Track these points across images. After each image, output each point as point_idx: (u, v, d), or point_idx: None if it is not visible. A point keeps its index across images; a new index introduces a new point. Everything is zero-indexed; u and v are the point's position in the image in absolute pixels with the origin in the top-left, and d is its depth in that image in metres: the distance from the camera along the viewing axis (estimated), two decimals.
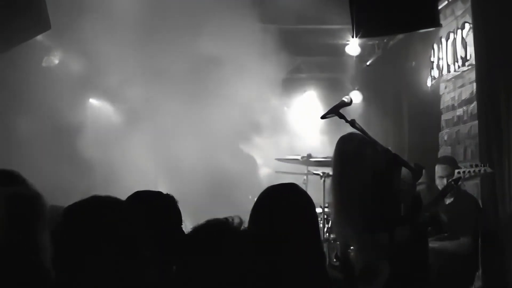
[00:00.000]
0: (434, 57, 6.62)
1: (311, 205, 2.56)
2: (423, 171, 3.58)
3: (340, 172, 3.82)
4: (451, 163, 5.06)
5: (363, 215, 3.66)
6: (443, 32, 6.28)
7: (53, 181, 3.45)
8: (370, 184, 3.62)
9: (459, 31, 5.92)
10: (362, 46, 8.41)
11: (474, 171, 4.20)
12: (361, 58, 8.90)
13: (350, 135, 3.81)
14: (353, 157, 3.71)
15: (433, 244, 4.66)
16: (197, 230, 2.22)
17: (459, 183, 4.56)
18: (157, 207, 2.48)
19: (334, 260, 5.49)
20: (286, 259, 2.40)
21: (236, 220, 2.31)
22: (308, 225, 2.51)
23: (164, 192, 2.56)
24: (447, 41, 6.22)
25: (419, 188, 4.05)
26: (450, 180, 4.38)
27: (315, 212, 2.60)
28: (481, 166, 4.22)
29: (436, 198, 4.33)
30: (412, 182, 3.55)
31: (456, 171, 4.35)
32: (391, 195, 3.57)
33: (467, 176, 4.25)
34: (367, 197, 3.61)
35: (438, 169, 5.05)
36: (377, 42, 8.51)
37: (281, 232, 2.43)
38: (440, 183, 4.97)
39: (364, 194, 3.62)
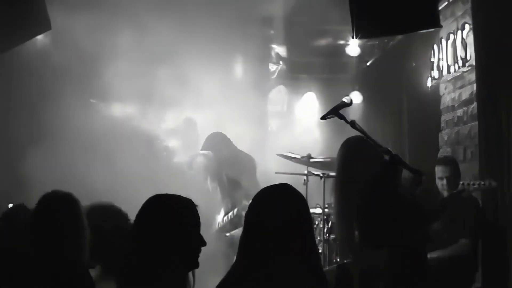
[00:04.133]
0: (434, 57, 6.62)
1: (304, 204, 2.57)
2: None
3: (343, 177, 3.78)
4: (451, 164, 5.05)
5: (362, 226, 3.65)
6: (443, 32, 6.28)
7: (52, 181, 3.44)
8: (373, 191, 3.58)
9: (459, 31, 5.92)
10: (362, 46, 8.42)
11: (478, 183, 4.21)
12: (361, 58, 8.90)
13: (356, 138, 3.78)
14: (359, 162, 3.68)
15: (432, 254, 4.66)
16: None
17: (462, 194, 4.58)
18: (179, 211, 2.49)
19: (334, 261, 5.50)
20: (280, 259, 2.40)
21: None
22: (302, 224, 2.51)
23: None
24: (447, 41, 6.23)
25: (418, 192, 4.03)
26: (454, 191, 4.38)
27: (309, 211, 2.60)
28: (486, 181, 4.23)
29: (438, 209, 4.32)
30: (411, 187, 3.54)
31: (461, 182, 4.36)
32: (392, 201, 3.55)
33: (471, 189, 4.25)
34: (369, 205, 3.58)
35: (438, 170, 5.04)
36: (377, 42, 8.52)
37: (275, 232, 2.43)
38: (440, 184, 4.97)
39: (366, 202, 3.59)
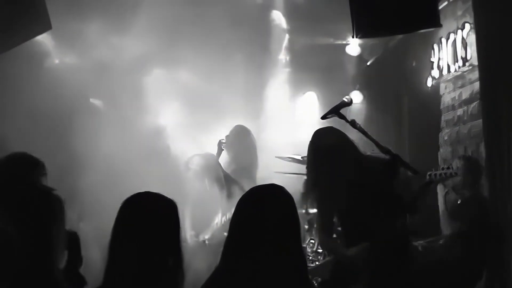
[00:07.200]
0: (434, 57, 6.63)
1: (292, 205, 2.54)
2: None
3: (314, 173, 3.70)
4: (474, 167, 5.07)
5: (340, 223, 3.63)
6: (443, 32, 6.28)
7: (53, 182, 3.44)
8: (349, 188, 3.55)
9: (460, 31, 5.92)
10: (362, 46, 8.41)
11: (445, 173, 4.21)
12: (361, 58, 8.90)
13: (327, 129, 3.73)
14: (330, 155, 3.62)
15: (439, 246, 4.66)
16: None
17: (431, 185, 4.57)
18: (157, 210, 2.43)
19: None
20: (266, 259, 2.38)
21: None
22: (289, 225, 2.48)
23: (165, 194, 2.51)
24: (447, 41, 6.23)
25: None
26: (423, 183, 4.38)
27: (297, 212, 2.57)
28: (451, 169, 4.22)
29: (410, 202, 4.32)
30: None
31: (428, 173, 4.36)
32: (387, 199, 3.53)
33: (438, 179, 4.25)
34: (344, 201, 3.55)
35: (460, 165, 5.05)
36: (377, 42, 8.52)
37: (262, 233, 2.41)
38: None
39: (342, 198, 3.56)
